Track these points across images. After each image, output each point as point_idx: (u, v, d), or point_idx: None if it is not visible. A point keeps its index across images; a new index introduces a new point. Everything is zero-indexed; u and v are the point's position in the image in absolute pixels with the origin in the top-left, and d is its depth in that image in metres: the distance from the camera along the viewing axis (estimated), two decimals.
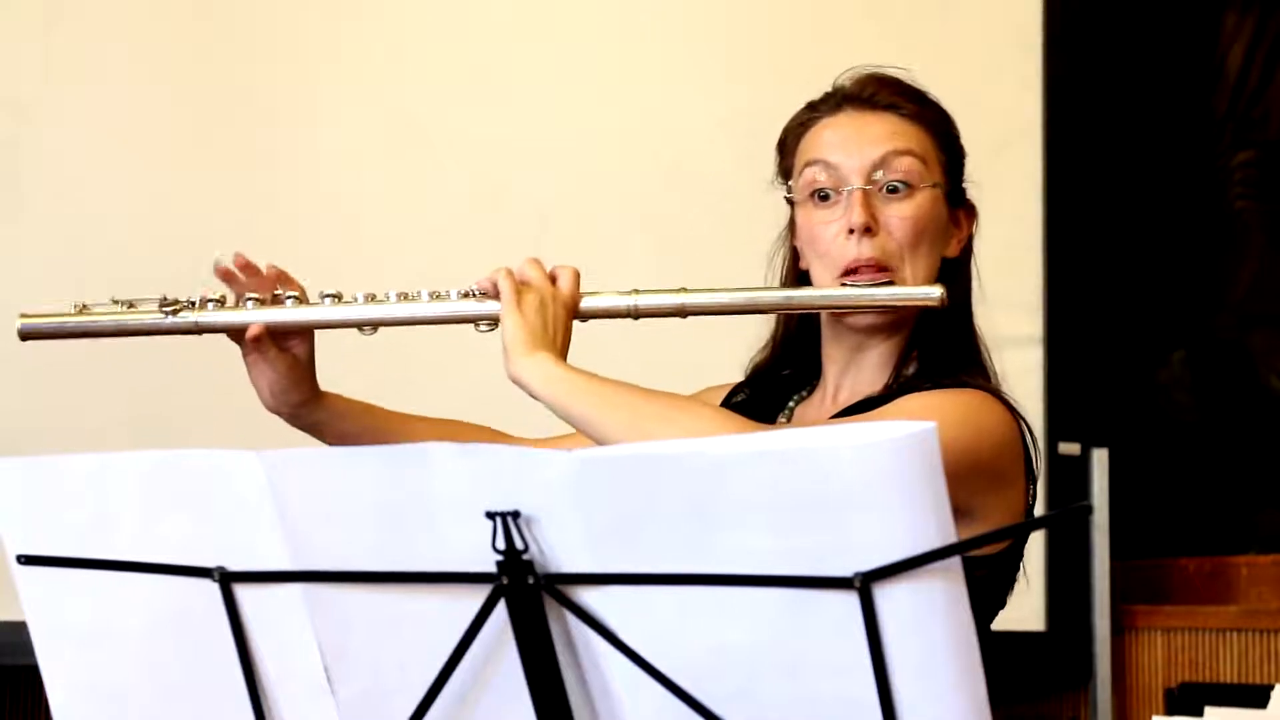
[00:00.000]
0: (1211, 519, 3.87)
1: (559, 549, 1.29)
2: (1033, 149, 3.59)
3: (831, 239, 1.89)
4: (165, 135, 3.31)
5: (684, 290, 1.92)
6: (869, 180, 1.89)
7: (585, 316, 1.92)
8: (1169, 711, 3.44)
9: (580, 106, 3.45)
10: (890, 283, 1.89)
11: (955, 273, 1.96)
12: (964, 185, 2.00)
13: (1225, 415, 3.92)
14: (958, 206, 1.97)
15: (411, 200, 3.39)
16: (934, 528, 1.20)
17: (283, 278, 1.97)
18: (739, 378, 2.07)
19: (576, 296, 1.90)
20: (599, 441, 1.74)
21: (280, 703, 1.45)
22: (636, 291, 1.92)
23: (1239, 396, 3.91)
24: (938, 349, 1.92)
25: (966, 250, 2.00)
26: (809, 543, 1.22)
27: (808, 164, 1.93)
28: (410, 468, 1.32)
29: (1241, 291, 3.93)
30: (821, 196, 1.91)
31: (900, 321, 1.93)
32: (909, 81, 1.98)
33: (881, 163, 1.90)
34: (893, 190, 1.89)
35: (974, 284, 2.03)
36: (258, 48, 3.37)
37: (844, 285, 1.89)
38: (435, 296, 1.94)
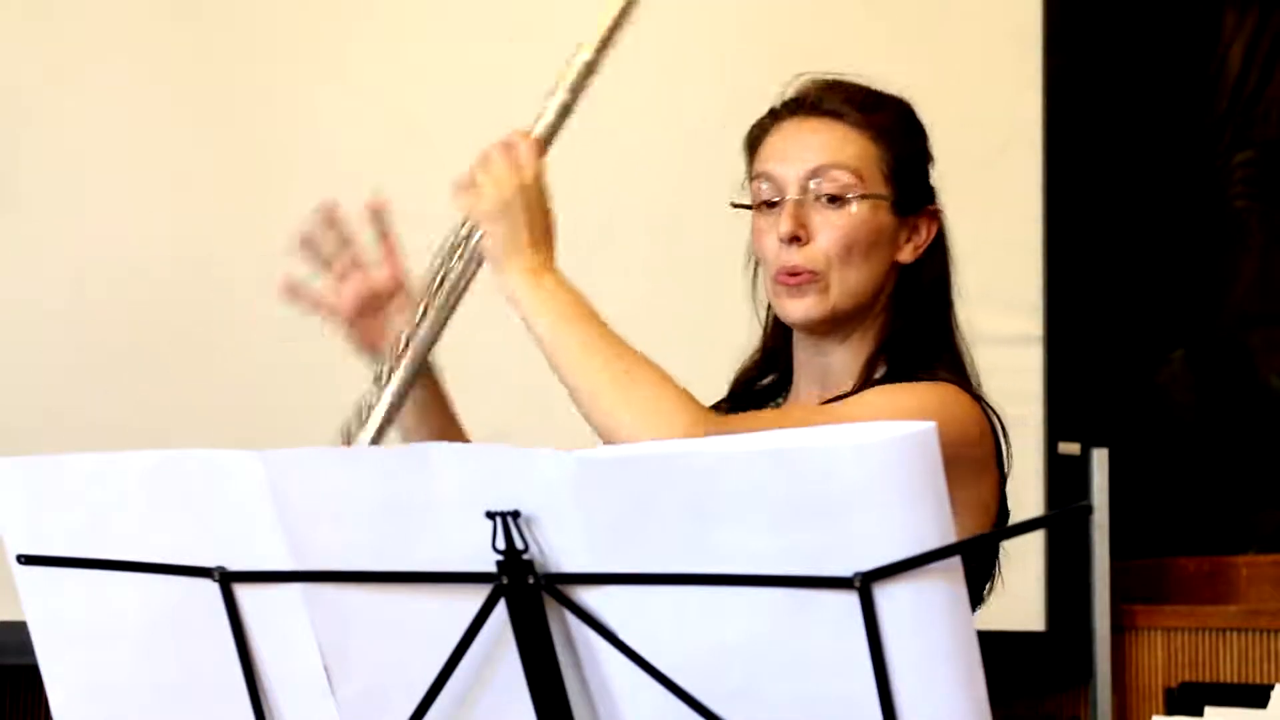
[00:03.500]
0: (1211, 518, 3.87)
1: (559, 549, 1.29)
2: (1033, 149, 3.59)
3: (770, 246, 1.92)
4: (165, 135, 3.31)
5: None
6: (803, 190, 1.90)
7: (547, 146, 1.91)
8: (1169, 711, 3.44)
9: (580, 106, 3.45)
10: None
11: (913, 278, 1.95)
12: (929, 186, 1.99)
13: (1225, 415, 3.92)
14: (912, 213, 1.95)
15: (411, 200, 3.39)
16: (934, 527, 1.20)
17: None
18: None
19: (539, 166, 1.89)
20: (550, 362, 1.79)
21: (280, 703, 1.45)
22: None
23: (1239, 396, 3.91)
24: (907, 352, 1.93)
25: (932, 252, 1.97)
26: (809, 542, 1.22)
27: (755, 176, 1.95)
28: (410, 468, 1.33)
29: (1241, 291, 3.93)
30: (768, 205, 1.93)
31: (861, 324, 1.94)
32: (863, 85, 1.98)
33: (816, 173, 1.90)
34: (829, 200, 1.90)
35: (953, 282, 2.00)
36: (258, 48, 3.37)
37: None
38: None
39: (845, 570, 1.21)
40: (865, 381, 1.92)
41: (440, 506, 1.32)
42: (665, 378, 1.78)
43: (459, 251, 1.91)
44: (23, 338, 3.23)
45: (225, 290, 3.28)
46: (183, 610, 1.46)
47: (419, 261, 3.54)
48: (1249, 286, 3.92)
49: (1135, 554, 3.76)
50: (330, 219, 2.00)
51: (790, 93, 1.98)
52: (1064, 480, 3.56)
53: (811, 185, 1.90)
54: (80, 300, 3.24)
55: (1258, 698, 2.36)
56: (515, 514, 1.29)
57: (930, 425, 1.19)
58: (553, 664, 1.32)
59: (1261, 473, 3.84)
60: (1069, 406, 3.59)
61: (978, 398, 1.91)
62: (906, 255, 1.95)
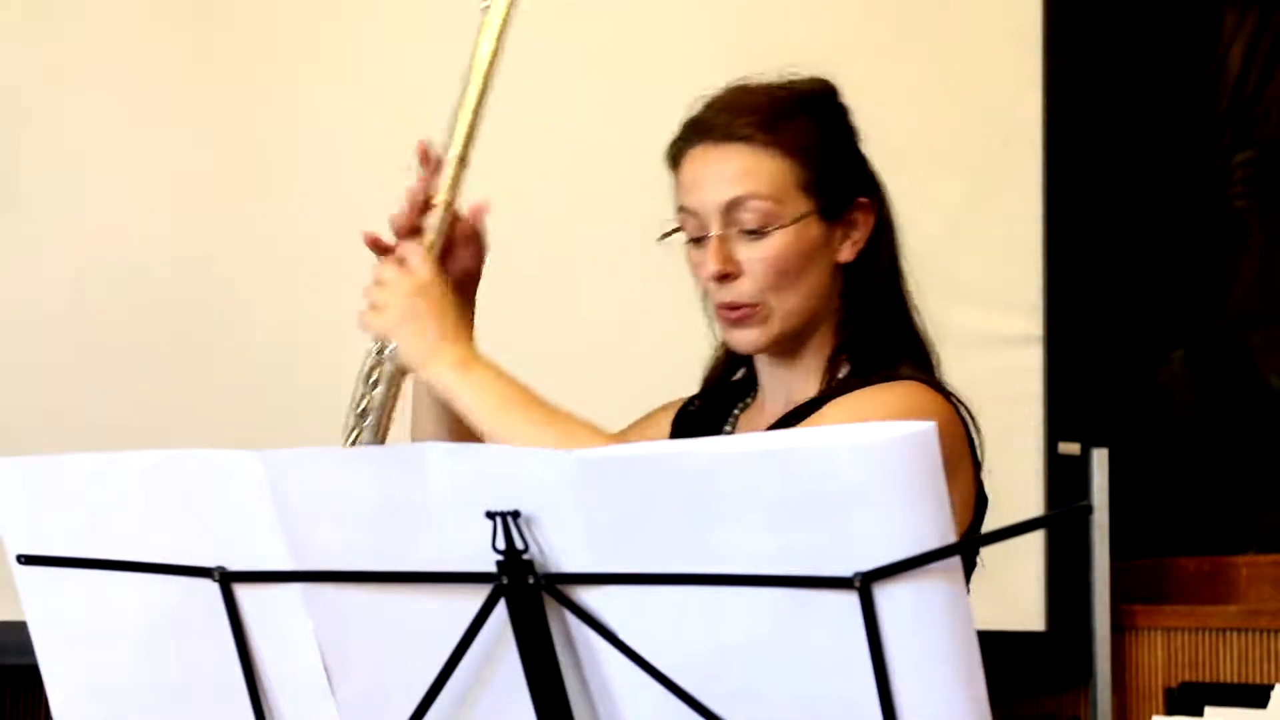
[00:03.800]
0: (1211, 518, 3.87)
1: (559, 549, 1.29)
2: (1033, 149, 3.59)
3: (706, 280, 1.90)
4: (165, 135, 3.31)
5: None
6: (725, 224, 1.87)
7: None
8: (1169, 711, 3.44)
9: (580, 106, 3.45)
10: None
11: (860, 273, 1.92)
12: (861, 172, 1.94)
13: (1225, 415, 3.92)
14: (842, 212, 1.91)
15: None
16: (934, 527, 1.20)
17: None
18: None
19: (432, 268, 1.87)
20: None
21: (280, 703, 1.45)
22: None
23: (1239, 396, 3.91)
24: (869, 349, 1.91)
25: (875, 242, 1.94)
26: (808, 542, 1.22)
27: (679, 209, 1.92)
28: (410, 468, 1.33)
29: (1241, 291, 3.93)
30: (695, 240, 1.90)
31: (815, 332, 1.92)
32: (767, 91, 1.92)
33: (733, 206, 1.86)
34: (751, 232, 1.86)
35: (901, 266, 1.97)
36: (258, 48, 3.37)
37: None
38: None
39: (845, 570, 1.21)
40: (829, 384, 1.90)
41: (440, 506, 1.32)
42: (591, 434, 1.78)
43: (375, 375, 1.89)
44: (23, 338, 3.23)
45: (225, 290, 3.27)
46: (183, 610, 1.46)
47: None
48: (1249, 286, 3.92)
49: (1135, 554, 3.76)
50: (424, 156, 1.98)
51: (694, 114, 1.93)
52: (1064, 480, 3.56)
53: (732, 218, 1.86)
54: (80, 300, 3.24)
55: (1258, 698, 2.36)
56: (515, 514, 1.29)
57: (930, 425, 1.19)
58: (553, 664, 1.32)
59: (1261, 473, 3.84)
60: (1069, 406, 3.59)
61: (941, 388, 1.89)
62: (847, 254, 1.92)
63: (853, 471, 1.20)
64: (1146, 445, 3.90)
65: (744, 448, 1.24)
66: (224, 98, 3.34)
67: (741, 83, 1.95)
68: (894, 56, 3.54)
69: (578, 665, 1.33)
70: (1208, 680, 3.56)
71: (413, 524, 1.34)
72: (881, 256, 1.94)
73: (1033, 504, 3.48)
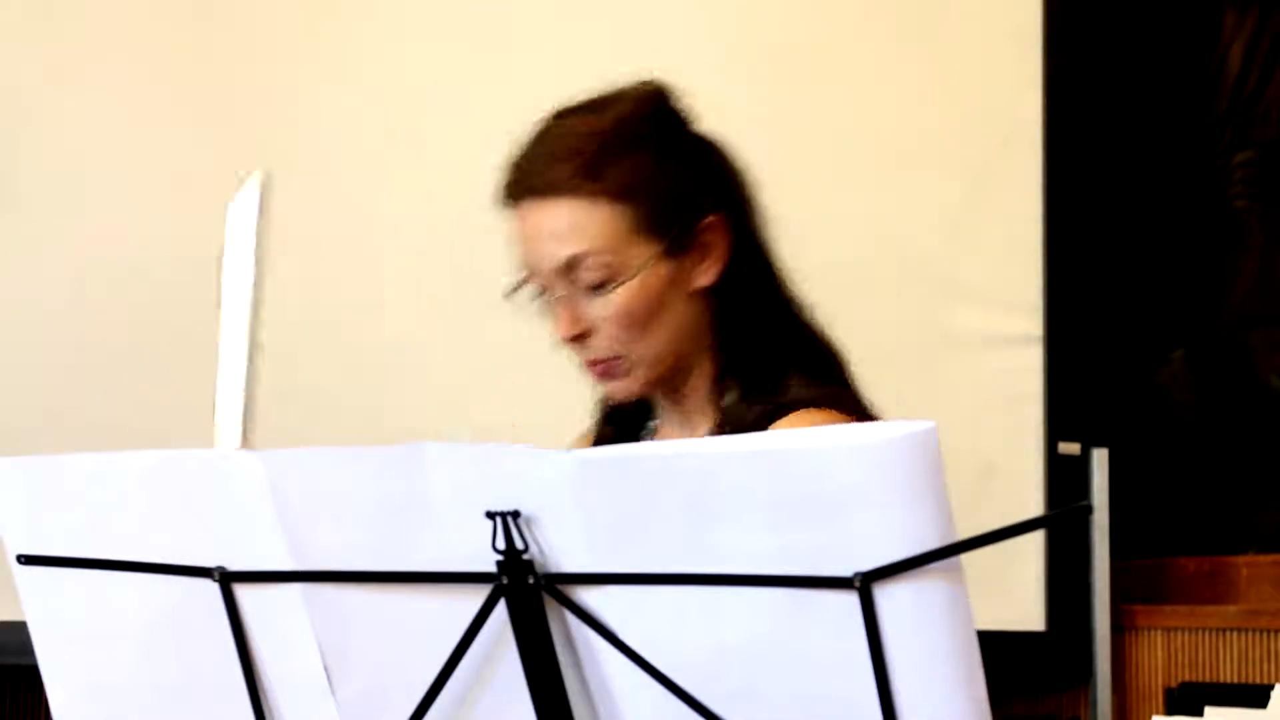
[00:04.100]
0: (1211, 518, 3.87)
1: (559, 549, 1.29)
2: (1033, 149, 3.59)
3: (560, 342, 1.81)
4: (165, 135, 3.31)
5: None
6: (567, 284, 1.77)
7: None
8: (1169, 711, 3.44)
9: None
10: None
11: (728, 291, 1.81)
12: (703, 190, 1.80)
13: (1225, 415, 3.92)
14: (690, 240, 1.79)
15: (411, 200, 3.39)
16: (934, 527, 1.20)
17: None
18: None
19: None
20: None
21: (280, 703, 1.45)
22: None
23: (1239, 396, 3.91)
24: (753, 367, 1.81)
25: (737, 257, 1.82)
26: (809, 542, 1.22)
27: (521, 268, 1.82)
28: (410, 467, 1.33)
29: (1241, 291, 3.93)
30: (541, 294, 1.82)
31: (694, 362, 1.82)
32: (590, 129, 1.79)
33: (571, 266, 1.76)
34: (594, 289, 1.76)
35: (775, 268, 1.85)
36: (258, 48, 3.37)
37: None
38: None
39: (845, 570, 1.21)
40: (720, 412, 1.81)
41: (440, 506, 1.32)
42: None
43: None
44: (23, 338, 3.23)
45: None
46: (183, 610, 1.46)
47: (418, 262, 3.56)
48: (1249, 286, 3.92)
49: (1135, 554, 3.76)
50: None
51: (514, 160, 1.83)
52: (1064, 480, 3.56)
53: (573, 277, 1.76)
54: (80, 300, 3.24)
55: (1258, 698, 2.35)
56: (515, 514, 1.29)
57: (930, 425, 1.19)
58: (553, 664, 1.32)
59: (1261, 473, 3.84)
60: (1069, 406, 3.59)
61: (837, 396, 1.80)
62: (706, 280, 1.81)
63: (852, 471, 1.20)
64: (1146, 445, 3.90)
65: (744, 448, 1.24)
66: (224, 98, 3.34)
67: (558, 117, 1.83)
68: (894, 56, 3.54)
69: (578, 665, 1.33)
70: (1208, 680, 3.55)
71: (413, 524, 1.34)
72: (746, 270, 1.83)
73: (1033, 504, 3.47)
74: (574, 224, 1.76)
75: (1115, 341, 3.79)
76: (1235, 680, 3.53)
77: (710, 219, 1.81)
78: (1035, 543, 3.50)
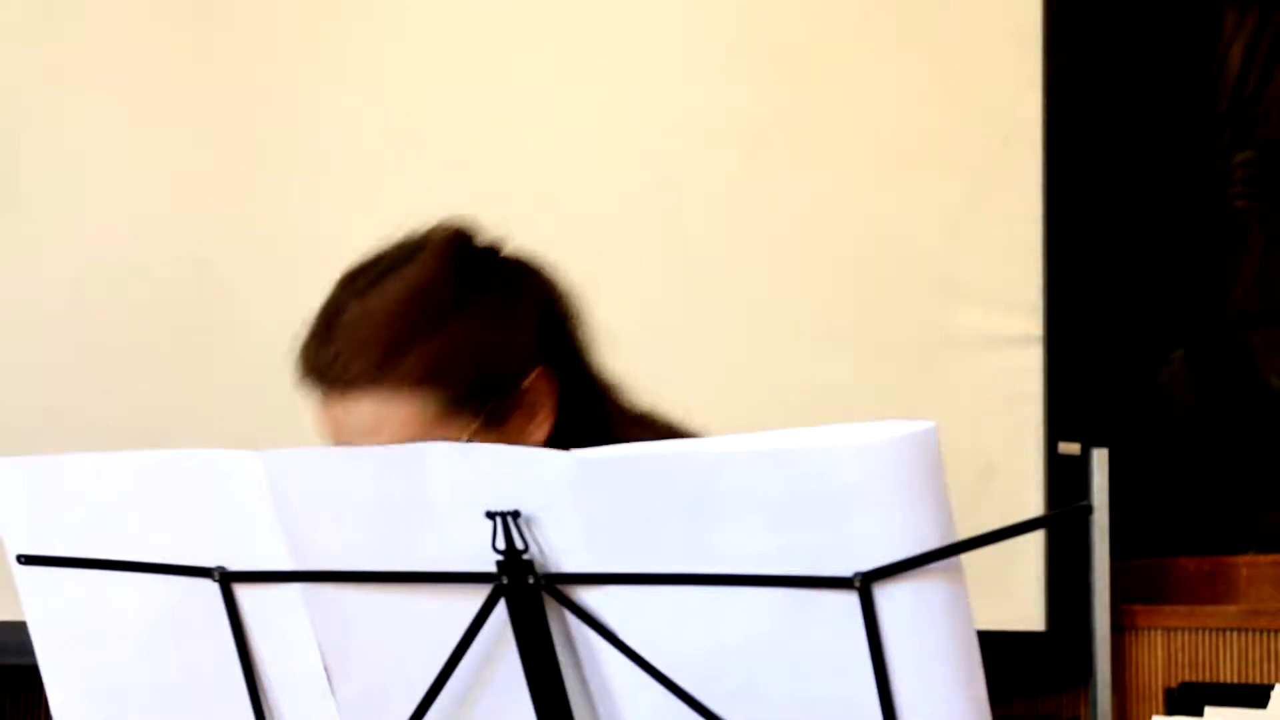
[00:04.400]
0: (1211, 518, 3.87)
1: (559, 549, 1.29)
2: (1033, 149, 3.59)
3: None
4: (165, 135, 3.31)
5: None
6: None
7: None
8: (1169, 711, 3.44)
9: (580, 107, 3.45)
10: None
11: (565, 433, 1.67)
12: (521, 347, 1.67)
13: (1225, 415, 3.92)
14: (514, 400, 1.66)
15: (412, 201, 3.39)
16: (934, 527, 1.20)
17: None
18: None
19: None
20: None
21: (280, 703, 1.45)
22: None
23: (1239, 396, 3.91)
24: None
25: (570, 403, 1.67)
26: (808, 542, 1.22)
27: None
28: (410, 467, 1.32)
29: (1241, 291, 3.93)
30: None
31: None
32: (384, 307, 1.65)
33: None
34: None
35: (604, 386, 1.72)
36: (258, 48, 3.37)
37: None
38: None
39: (845, 570, 1.21)
40: None
41: (440, 506, 1.32)
42: None
43: None
44: (23, 338, 3.23)
45: (225, 290, 3.28)
46: (183, 610, 1.46)
47: None
48: (1249, 286, 3.92)
49: (1135, 554, 3.76)
50: None
51: (303, 344, 1.71)
52: (1064, 480, 3.56)
53: None
54: (80, 300, 3.24)
55: (1258, 698, 2.35)
56: (515, 514, 1.29)
57: (930, 425, 1.19)
58: (553, 664, 1.32)
59: (1261, 473, 3.84)
60: (1069, 406, 3.59)
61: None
62: (540, 436, 1.68)
63: (853, 471, 1.20)
64: (1146, 445, 3.90)
65: (745, 447, 1.24)
66: (224, 98, 3.34)
67: (353, 293, 1.70)
68: (894, 56, 3.54)
69: (578, 665, 1.33)
70: (1208, 680, 3.56)
71: (413, 524, 1.33)
72: (580, 410, 1.70)
73: (1033, 504, 3.48)
74: (377, 420, 1.65)
75: (1115, 341, 3.79)
76: (1235, 680, 3.53)
77: (532, 376, 1.68)
78: (1035, 543, 3.50)
